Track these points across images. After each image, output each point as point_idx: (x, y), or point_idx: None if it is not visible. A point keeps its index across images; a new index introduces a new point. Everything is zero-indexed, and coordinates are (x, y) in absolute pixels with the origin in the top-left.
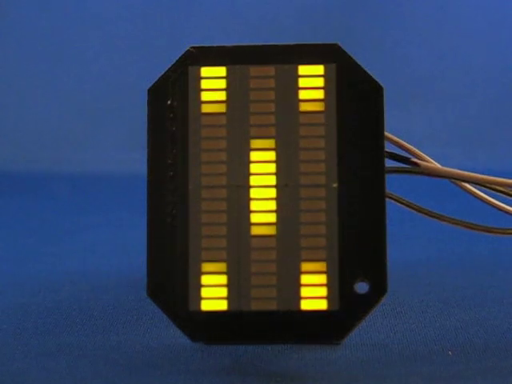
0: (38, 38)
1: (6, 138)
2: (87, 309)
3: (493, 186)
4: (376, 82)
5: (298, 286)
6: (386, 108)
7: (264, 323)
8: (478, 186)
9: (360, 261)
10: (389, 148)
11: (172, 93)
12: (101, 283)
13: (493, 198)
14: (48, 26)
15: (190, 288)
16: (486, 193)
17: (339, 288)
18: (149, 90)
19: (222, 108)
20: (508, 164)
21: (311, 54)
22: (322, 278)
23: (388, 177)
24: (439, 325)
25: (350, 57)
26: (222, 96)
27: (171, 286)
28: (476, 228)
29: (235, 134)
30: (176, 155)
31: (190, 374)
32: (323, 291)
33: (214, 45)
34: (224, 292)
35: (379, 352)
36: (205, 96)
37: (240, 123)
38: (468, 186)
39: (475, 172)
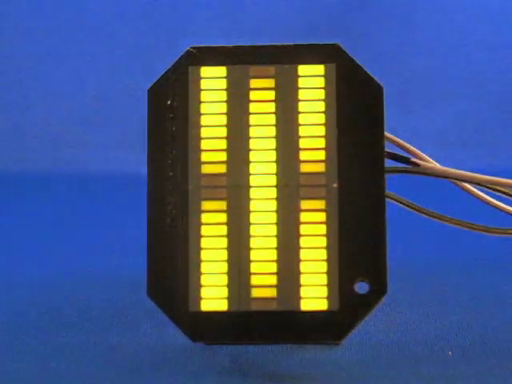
0: (38, 38)
1: (6, 138)
2: (87, 309)
3: (493, 186)
4: (376, 81)
5: (298, 286)
6: (386, 108)
7: (264, 323)
8: (477, 186)
9: (360, 261)
10: (389, 148)
11: (172, 93)
12: (101, 283)
13: (493, 198)
14: (48, 26)
15: (190, 288)
16: (486, 193)
17: (339, 288)
18: (149, 90)
19: (222, 108)
20: (508, 164)
21: (311, 54)
22: (322, 278)
23: (388, 177)
24: (439, 325)
25: (349, 57)
26: (222, 96)
27: (171, 286)
28: (476, 228)
29: (235, 134)
30: (176, 155)
31: (190, 374)
32: (323, 291)
33: (214, 45)
34: (224, 292)
35: (379, 352)
36: (205, 96)
37: (240, 123)
38: (468, 186)
39: (475, 172)
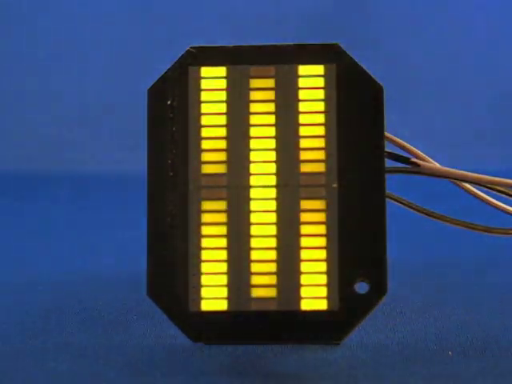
0: (38, 38)
1: (6, 139)
2: (87, 309)
3: (493, 186)
4: (376, 81)
5: (298, 286)
6: (386, 108)
7: (264, 323)
8: (477, 186)
9: (360, 261)
10: (389, 148)
11: (172, 93)
12: (101, 283)
13: (493, 198)
14: (48, 26)
15: (190, 288)
16: (486, 193)
17: (339, 288)
18: (149, 90)
19: (222, 108)
20: (508, 164)
21: (311, 53)
22: (322, 278)
23: (388, 177)
24: (439, 325)
25: (350, 57)
26: (222, 96)
27: (171, 286)
28: (476, 228)
29: (235, 134)
30: (176, 155)
31: (190, 374)
32: (323, 291)
33: (214, 45)
34: (224, 292)
35: (379, 352)
36: (205, 96)
37: (240, 123)
38: (468, 186)
39: (475, 172)
